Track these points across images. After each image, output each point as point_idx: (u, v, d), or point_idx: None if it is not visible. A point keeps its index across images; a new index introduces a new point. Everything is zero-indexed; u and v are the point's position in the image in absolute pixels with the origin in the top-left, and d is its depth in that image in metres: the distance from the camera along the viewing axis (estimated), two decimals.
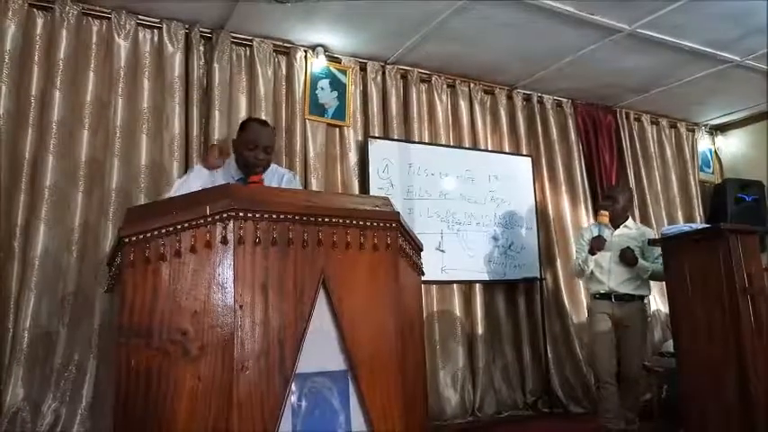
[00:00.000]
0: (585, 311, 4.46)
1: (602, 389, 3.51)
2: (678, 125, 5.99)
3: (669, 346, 4.28)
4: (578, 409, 4.47)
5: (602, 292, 3.57)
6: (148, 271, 1.51)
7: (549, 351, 4.61)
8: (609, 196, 3.73)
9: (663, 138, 5.83)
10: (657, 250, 3.63)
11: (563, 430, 4.07)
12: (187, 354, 1.48)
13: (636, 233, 3.66)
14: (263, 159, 2.42)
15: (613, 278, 3.53)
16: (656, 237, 3.99)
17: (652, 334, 5.16)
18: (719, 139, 6.26)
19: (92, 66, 3.54)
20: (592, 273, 3.62)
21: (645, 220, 5.41)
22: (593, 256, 3.56)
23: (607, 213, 3.57)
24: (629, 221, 3.73)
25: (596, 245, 3.49)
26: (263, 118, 3.91)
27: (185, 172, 3.65)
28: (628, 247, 3.49)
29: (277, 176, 2.58)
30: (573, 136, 5.23)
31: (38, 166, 3.29)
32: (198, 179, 2.42)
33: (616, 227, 3.66)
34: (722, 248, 2.90)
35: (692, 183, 5.87)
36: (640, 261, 3.50)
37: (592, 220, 3.79)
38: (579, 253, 3.70)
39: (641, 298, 3.58)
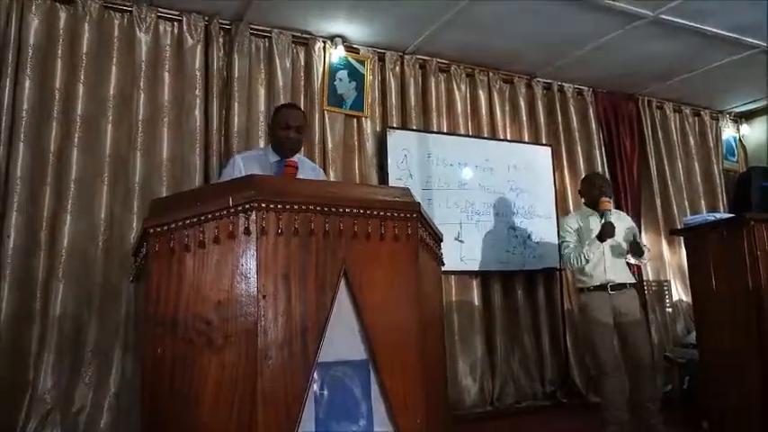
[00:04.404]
0: None
1: (608, 380, 3.32)
2: (702, 113, 5.88)
3: (692, 337, 4.24)
4: (597, 398, 4.43)
5: (596, 284, 3.40)
6: (173, 261, 1.53)
7: (568, 341, 4.59)
8: (603, 184, 3.58)
9: (686, 126, 5.73)
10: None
11: (582, 420, 4.05)
12: (211, 343, 1.50)
13: (624, 220, 3.59)
14: (294, 138, 2.63)
15: (610, 268, 3.41)
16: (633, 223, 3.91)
17: (674, 324, 5.13)
18: (744, 126, 6.14)
19: (114, 59, 3.59)
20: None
21: (667, 210, 5.35)
22: (600, 245, 3.35)
23: (610, 200, 3.42)
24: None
25: (608, 232, 3.29)
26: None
27: (206, 164, 3.71)
28: (634, 239, 3.40)
29: (308, 167, 2.77)
30: (593, 125, 5.17)
31: (63, 159, 3.35)
32: (237, 172, 2.55)
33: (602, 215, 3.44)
34: (747, 238, 2.87)
35: (716, 171, 5.78)
36: (645, 251, 3.43)
37: (583, 209, 3.61)
38: (569, 244, 3.49)
39: (633, 286, 3.48)
